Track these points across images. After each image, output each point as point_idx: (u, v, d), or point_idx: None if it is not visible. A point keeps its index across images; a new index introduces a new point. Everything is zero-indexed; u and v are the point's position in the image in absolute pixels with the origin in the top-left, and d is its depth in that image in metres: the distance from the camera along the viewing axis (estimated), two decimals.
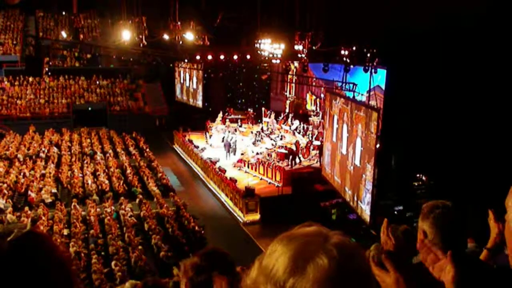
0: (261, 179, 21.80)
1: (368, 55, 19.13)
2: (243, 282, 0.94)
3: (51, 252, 1.05)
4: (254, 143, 25.57)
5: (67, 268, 1.08)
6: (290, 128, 26.76)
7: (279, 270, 0.87)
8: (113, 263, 14.17)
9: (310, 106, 28.26)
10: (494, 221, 2.50)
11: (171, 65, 36.30)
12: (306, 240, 0.90)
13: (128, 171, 23.72)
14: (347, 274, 0.85)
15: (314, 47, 21.07)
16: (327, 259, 0.85)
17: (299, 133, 25.73)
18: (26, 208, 18.78)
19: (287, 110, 30.19)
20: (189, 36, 23.83)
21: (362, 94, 19.90)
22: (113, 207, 18.98)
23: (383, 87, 19.79)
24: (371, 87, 19.54)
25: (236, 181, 20.58)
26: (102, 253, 15.16)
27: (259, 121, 29.72)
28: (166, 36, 24.65)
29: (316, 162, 22.31)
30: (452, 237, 2.22)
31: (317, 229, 0.93)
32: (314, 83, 27.03)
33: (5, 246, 1.00)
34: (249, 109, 31.31)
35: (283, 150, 22.57)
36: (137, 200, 19.95)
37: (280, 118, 28.85)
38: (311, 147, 23.37)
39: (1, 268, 0.97)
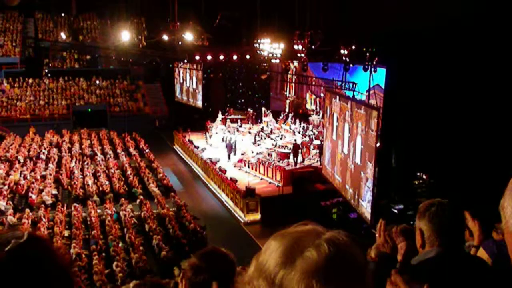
0: (261, 179, 21.80)
1: (368, 54, 19.12)
2: (241, 278, 0.95)
3: (51, 257, 1.04)
4: (254, 143, 25.57)
5: (67, 272, 1.07)
6: (290, 128, 26.76)
7: (270, 265, 0.89)
8: (114, 264, 14.18)
9: (310, 106, 28.27)
10: (472, 220, 2.64)
11: (170, 65, 36.29)
12: (298, 236, 0.91)
13: (129, 172, 23.72)
14: (335, 267, 0.86)
15: (313, 47, 21.05)
16: (316, 252, 0.86)
17: (299, 132, 25.72)
18: (27, 210, 18.78)
19: (287, 110, 30.19)
20: (188, 36, 23.84)
21: (361, 93, 19.89)
22: (113, 208, 18.99)
23: (383, 85, 19.79)
24: (371, 86, 19.54)
25: (236, 181, 20.57)
26: (103, 254, 15.17)
27: (259, 121, 29.72)
28: (165, 37, 24.66)
29: (316, 162, 22.30)
30: (449, 234, 2.24)
31: (311, 227, 0.94)
32: (313, 83, 27.02)
33: (2, 255, 0.99)
34: (249, 109, 31.29)
35: (285, 150, 22.54)
36: (138, 201, 19.96)
37: (280, 117, 28.84)
38: (311, 147, 23.37)
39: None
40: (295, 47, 22.03)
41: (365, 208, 15.77)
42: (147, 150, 28.30)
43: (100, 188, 21.43)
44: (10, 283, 0.97)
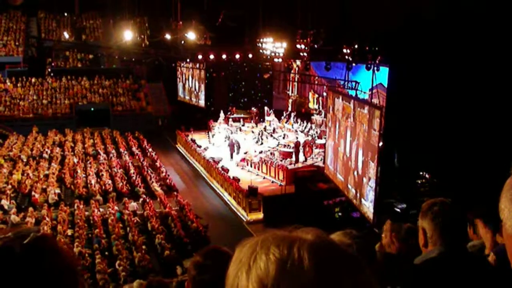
0: (264, 178, 21.80)
1: (370, 53, 19.08)
2: None
3: (61, 255, 1.09)
4: (257, 142, 25.56)
5: (74, 270, 1.12)
6: (292, 127, 26.74)
7: (230, 275, 0.92)
8: (117, 263, 14.21)
9: (312, 105, 28.24)
10: (484, 227, 2.57)
11: (173, 64, 36.31)
12: (252, 246, 0.91)
13: (131, 171, 23.76)
14: (284, 276, 0.84)
15: (316, 46, 21.03)
16: (263, 262, 0.86)
17: (301, 131, 25.71)
18: (30, 209, 18.84)
19: (289, 109, 30.17)
20: (191, 35, 23.84)
21: (364, 92, 19.86)
22: (116, 207, 19.02)
23: (386, 85, 19.75)
24: (374, 85, 19.50)
25: (239, 180, 20.57)
26: (106, 253, 15.20)
27: (262, 120, 29.71)
28: (168, 36, 24.68)
29: (320, 161, 22.29)
30: (451, 233, 2.24)
31: (271, 233, 0.94)
32: (316, 82, 27.00)
33: (19, 248, 1.04)
34: (253, 108, 31.26)
35: (288, 149, 22.51)
36: (141, 200, 20.00)
37: (283, 117, 28.82)
38: (314, 146, 23.35)
39: (14, 269, 1.01)
40: (298, 46, 22.01)
41: (368, 207, 15.76)
42: (149, 149, 28.34)
43: (103, 187, 21.47)
44: (25, 273, 1.01)
